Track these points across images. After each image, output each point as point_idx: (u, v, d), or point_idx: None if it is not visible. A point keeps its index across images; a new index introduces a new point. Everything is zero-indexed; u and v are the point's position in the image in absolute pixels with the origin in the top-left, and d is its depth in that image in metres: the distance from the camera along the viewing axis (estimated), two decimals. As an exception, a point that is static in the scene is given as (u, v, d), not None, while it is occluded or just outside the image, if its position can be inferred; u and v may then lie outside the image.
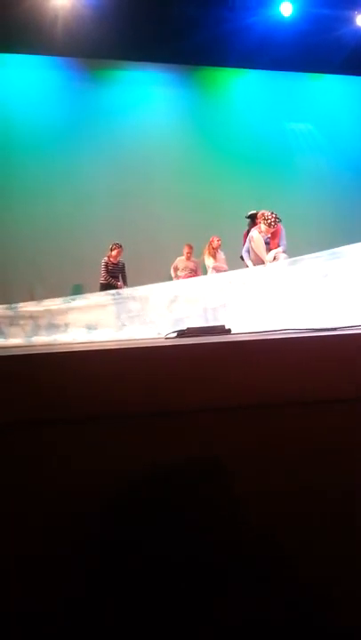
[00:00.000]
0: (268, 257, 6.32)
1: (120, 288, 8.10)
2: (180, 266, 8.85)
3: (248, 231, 7.61)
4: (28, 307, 4.96)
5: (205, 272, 8.59)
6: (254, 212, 7.55)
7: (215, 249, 8.50)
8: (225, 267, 8.15)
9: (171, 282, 4.66)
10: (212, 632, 1.09)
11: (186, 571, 1.10)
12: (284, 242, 6.43)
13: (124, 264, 8.68)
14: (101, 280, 8.50)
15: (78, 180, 9.83)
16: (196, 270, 8.81)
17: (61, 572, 1.08)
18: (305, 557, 1.13)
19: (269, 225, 6.34)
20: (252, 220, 7.48)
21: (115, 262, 8.61)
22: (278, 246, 6.40)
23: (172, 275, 8.80)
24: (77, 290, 9.03)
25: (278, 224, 6.38)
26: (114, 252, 8.59)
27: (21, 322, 4.80)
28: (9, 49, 9.49)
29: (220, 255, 8.51)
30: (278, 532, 1.13)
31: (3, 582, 1.06)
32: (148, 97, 10.52)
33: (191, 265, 8.85)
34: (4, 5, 8.56)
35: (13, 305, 5.01)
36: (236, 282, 4.30)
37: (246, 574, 1.11)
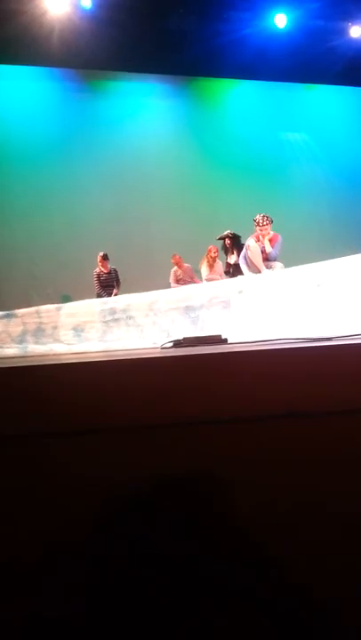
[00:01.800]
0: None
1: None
2: (179, 274, 8.91)
3: (226, 251, 8.01)
4: (19, 312, 5.06)
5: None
6: (225, 233, 7.92)
7: (213, 259, 8.55)
8: (218, 278, 8.22)
9: (154, 291, 4.72)
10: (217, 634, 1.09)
11: (187, 582, 1.09)
12: (277, 251, 6.43)
13: (115, 270, 8.82)
14: (97, 291, 8.60)
15: (75, 191, 9.87)
16: (192, 275, 8.86)
17: (64, 583, 1.07)
18: (308, 570, 1.12)
19: (258, 224, 6.39)
20: (224, 241, 7.94)
21: (106, 272, 8.75)
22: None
23: (174, 285, 8.82)
24: (74, 300, 9.05)
25: (268, 225, 6.39)
26: (100, 263, 8.76)
27: (11, 325, 4.86)
28: (7, 60, 9.55)
29: (219, 265, 8.55)
30: (278, 543, 1.12)
31: (4, 590, 1.06)
32: (144, 107, 10.59)
33: (188, 271, 8.91)
34: (1, 18, 8.62)
35: (10, 312, 5.10)
36: (229, 289, 4.32)
37: (247, 587, 1.11)
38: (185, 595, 1.09)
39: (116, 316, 4.33)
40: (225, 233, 8.04)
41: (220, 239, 8.10)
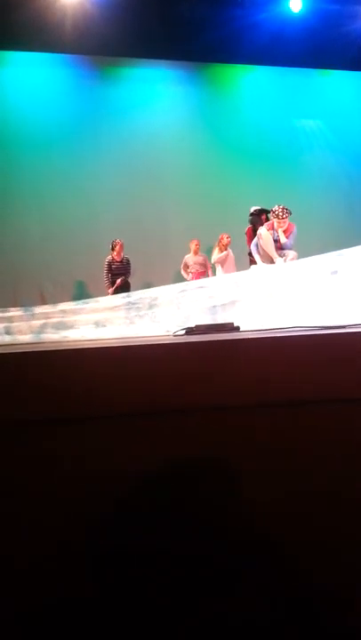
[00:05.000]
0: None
1: (119, 286, 8.10)
2: (190, 262, 8.81)
3: (252, 229, 7.57)
4: (39, 309, 5.04)
5: (214, 268, 8.61)
6: (258, 208, 7.55)
7: (225, 246, 8.50)
8: (227, 259, 8.19)
9: (179, 283, 4.69)
10: (216, 634, 1.09)
11: (186, 582, 1.09)
12: (292, 241, 6.37)
13: (128, 260, 8.50)
14: (105, 279, 8.43)
15: (87, 177, 9.84)
16: (206, 264, 8.77)
17: (68, 571, 1.07)
18: (318, 561, 1.11)
19: (277, 216, 6.30)
20: (257, 216, 7.48)
21: (118, 260, 8.43)
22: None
23: (183, 273, 8.75)
24: (86, 287, 9.06)
25: (287, 218, 6.32)
26: (116, 249, 8.40)
27: (33, 320, 4.85)
28: (19, 47, 9.51)
29: (230, 253, 8.50)
30: (291, 531, 1.12)
31: (4, 582, 1.06)
32: (157, 94, 10.50)
33: (200, 259, 8.81)
34: (13, 4, 8.58)
35: (30, 308, 5.10)
36: (244, 280, 4.30)
37: (254, 575, 1.11)
38: (185, 595, 1.08)
39: (141, 313, 4.30)
40: (256, 208, 7.55)
41: (252, 214, 7.58)
